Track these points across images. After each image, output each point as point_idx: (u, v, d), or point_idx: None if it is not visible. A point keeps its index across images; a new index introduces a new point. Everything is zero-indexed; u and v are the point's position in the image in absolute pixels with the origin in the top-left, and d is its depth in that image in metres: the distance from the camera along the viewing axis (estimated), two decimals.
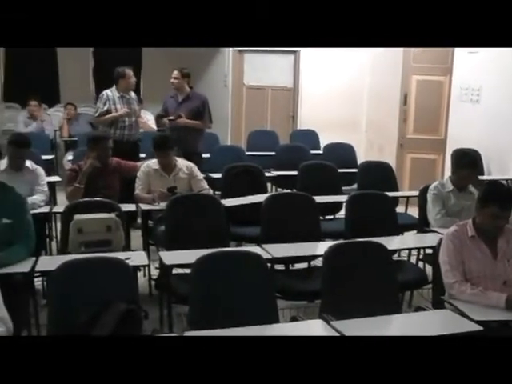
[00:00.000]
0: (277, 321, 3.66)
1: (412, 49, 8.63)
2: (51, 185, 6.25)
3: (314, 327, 3.39)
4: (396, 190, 6.83)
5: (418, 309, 3.91)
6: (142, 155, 7.32)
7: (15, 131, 9.59)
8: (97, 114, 7.26)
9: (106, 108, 7.14)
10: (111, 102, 7.16)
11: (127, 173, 5.99)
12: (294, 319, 3.70)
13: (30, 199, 5.00)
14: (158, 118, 7.78)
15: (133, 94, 7.45)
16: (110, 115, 7.11)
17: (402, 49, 8.65)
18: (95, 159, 5.73)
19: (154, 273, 5.36)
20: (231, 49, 10.34)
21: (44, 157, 7.33)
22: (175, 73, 7.34)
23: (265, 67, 10.12)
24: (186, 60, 10.87)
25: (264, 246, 4.47)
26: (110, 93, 7.21)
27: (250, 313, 3.52)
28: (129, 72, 7.24)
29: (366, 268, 3.93)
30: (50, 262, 4.21)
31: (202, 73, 11.37)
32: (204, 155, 7.62)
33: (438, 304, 4.01)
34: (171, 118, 7.21)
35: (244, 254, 3.95)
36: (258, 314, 3.56)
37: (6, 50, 12.08)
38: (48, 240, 5.79)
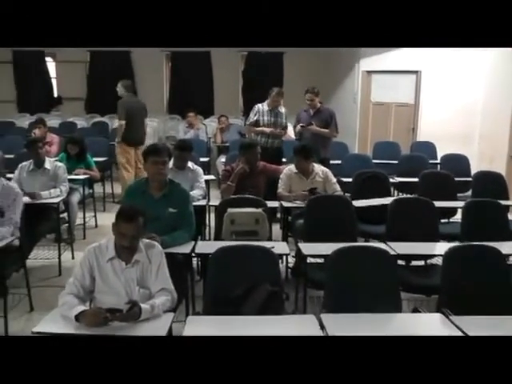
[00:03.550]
0: (400, 310, 3.60)
1: None
2: (207, 182, 6.38)
3: (434, 320, 3.29)
4: (507, 198, 6.49)
5: None
6: (284, 160, 7.44)
7: (176, 137, 10.05)
8: (248, 123, 7.52)
9: (255, 118, 7.30)
10: (260, 114, 7.30)
11: (272, 174, 6.04)
12: (415, 310, 3.61)
13: (191, 193, 5.11)
14: (293, 128, 7.92)
15: (282, 109, 7.53)
16: (259, 129, 7.28)
17: None
18: (246, 163, 5.82)
19: (291, 261, 5.42)
20: (361, 70, 10.27)
21: (201, 159, 7.57)
22: (309, 95, 7.42)
23: (389, 86, 9.93)
24: (321, 80, 10.93)
25: (389, 243, 4.37)
26: (261, 106, 7.36)
27: (378, 301, 3.46)
28: (276, 93, 7.32)
29: (482, 269, 3.75)
30: (206, 246, 4.35)
31: (335, 91, 11.39)
32: (336, 161, 7.63)
33: None
34: (303, 124, 7.36)
35: (373, 249, 3.89)
36: (384, 302, 3.50)
37: (172, 72, 12.58)
38: (203, 228, 5.91)
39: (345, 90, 11.14)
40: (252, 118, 7.34)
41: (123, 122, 8.21)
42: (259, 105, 7.40)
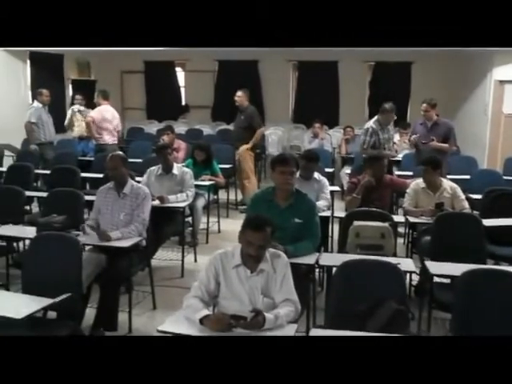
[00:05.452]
0: None
1: None
2: (331, 193, 6.30)
3: None
4: None
5: None
6: (409, 173, 7.39)
7: (301, 147, 10.12)
8: (365, 146, 7.26)
9: (373, 140, 7.20)
10: (375, 134, 7.21)
11: (399, 188, 5.98)
12: None
13: (316, 204, 5.05)
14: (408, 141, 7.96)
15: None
16: (375, 151, 6.99)
17: None
18: (372, 175, 5.73)
19: (414, 278, 5.27)
20: (493, 79, 9.86)
21: (326, 169, 7.57)
22: (424, 106, 7.36)
23: None
24: (450, 91, 10.60)
25: None
26: (374, 125, 7.25)
27: (508, 330, 3.26)
28: (390, 109, 7.22)
29: None
30: (330, 258, 4.36)
31: (464, 101, 11.03)
32: (464, 176, 7.41)
33: None
34: (424, 141, 7.28)
35: (505, 274, 3.65)
36: None
37: (298, 81, 12.70)
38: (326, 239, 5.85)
39: (475, 100, 10.76)
40: (369, 139, 7.22)
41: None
42: (371, 124, 7.27)
